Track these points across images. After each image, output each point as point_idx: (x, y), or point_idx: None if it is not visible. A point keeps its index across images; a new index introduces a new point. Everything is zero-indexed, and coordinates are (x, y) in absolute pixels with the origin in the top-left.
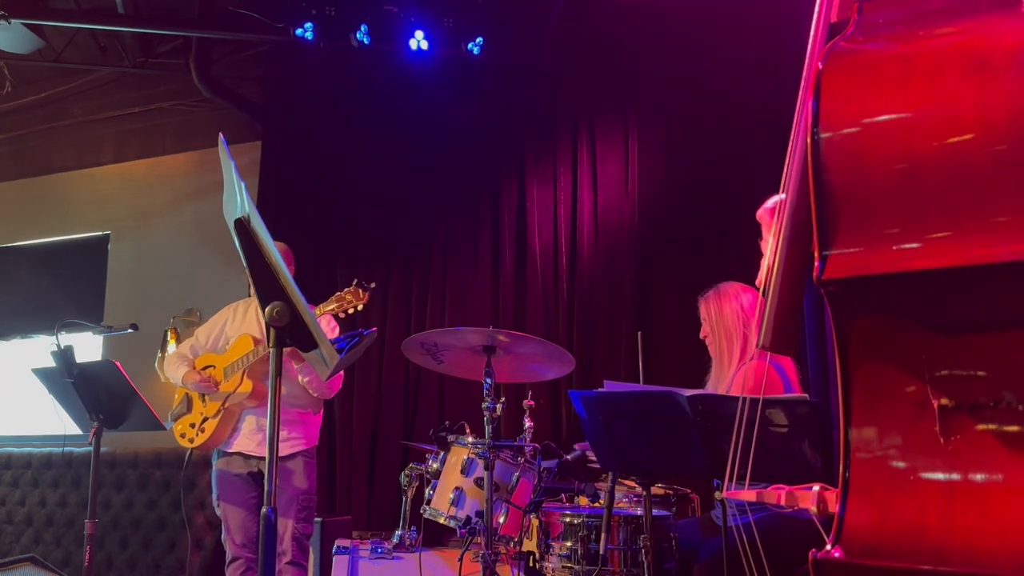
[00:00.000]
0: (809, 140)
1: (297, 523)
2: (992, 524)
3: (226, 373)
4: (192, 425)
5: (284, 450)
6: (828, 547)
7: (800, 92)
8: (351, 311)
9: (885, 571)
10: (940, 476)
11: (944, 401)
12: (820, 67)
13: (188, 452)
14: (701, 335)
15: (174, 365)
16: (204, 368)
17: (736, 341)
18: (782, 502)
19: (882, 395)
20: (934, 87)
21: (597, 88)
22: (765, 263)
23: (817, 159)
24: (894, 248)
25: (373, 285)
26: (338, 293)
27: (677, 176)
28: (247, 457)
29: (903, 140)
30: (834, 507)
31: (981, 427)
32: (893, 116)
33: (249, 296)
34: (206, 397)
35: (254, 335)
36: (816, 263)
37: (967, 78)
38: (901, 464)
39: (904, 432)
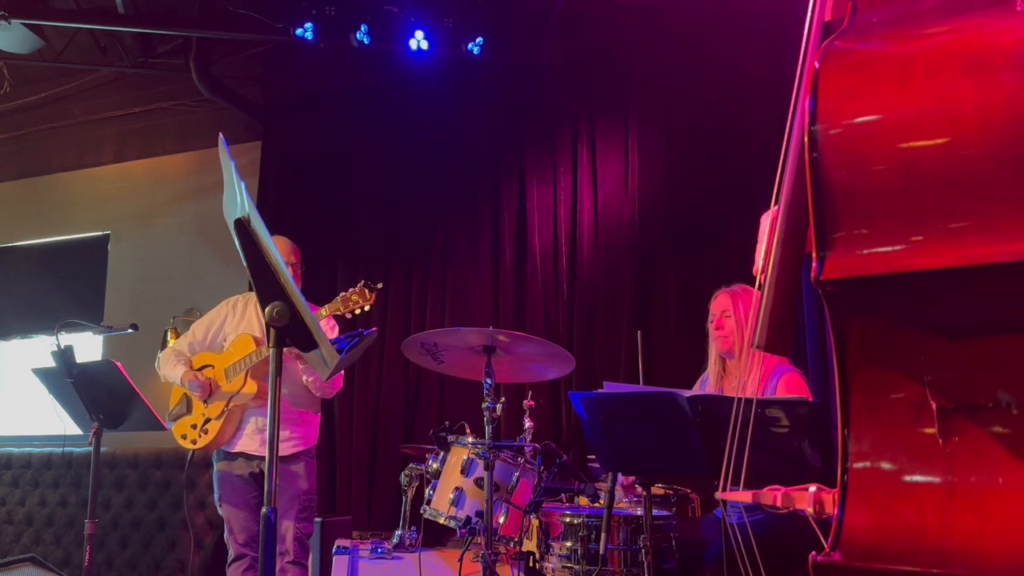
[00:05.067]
0: (806, 139)
1: (298, 523)
2: (991, 526)
3: (227, 374)
4: (194, 426)
5: (286, 450)
6: (827, 550)
7: (795, 92)
8: (357, 312)
9: (884, 573)
10: (938, 478)
11: (942, 402)
12: (817, 66)
13: (190, 453)
14: (715, 324)
15: (170, 363)
16: (202, 368)
17: None
18: (778, 503)
19: (880, 396)
20: (932, 86)
21: (597, 88)
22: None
23: (814, 157)
24: (892, 248)
25: (380, 286)
26: (343, 294)
27: (677, 176)
28: (249, 458)
29: (901, 139)
30: (831, 508)
31: (980, 428)
32: (891, 115)
33: (249, 290)
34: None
35: (255, 334)
36: (814, 264)
37: (965, 77)
38: (899, 466)
39: (902, 433)
